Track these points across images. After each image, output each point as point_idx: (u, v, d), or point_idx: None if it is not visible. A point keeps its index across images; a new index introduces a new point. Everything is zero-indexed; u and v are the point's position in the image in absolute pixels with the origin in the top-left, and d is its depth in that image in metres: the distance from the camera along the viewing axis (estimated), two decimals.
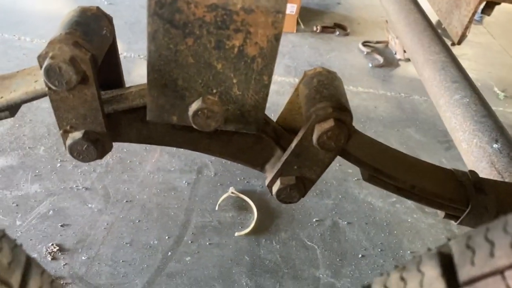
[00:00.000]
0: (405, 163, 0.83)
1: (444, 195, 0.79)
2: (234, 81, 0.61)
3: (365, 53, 3.38)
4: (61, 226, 1.70)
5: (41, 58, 0.58)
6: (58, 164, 1.95)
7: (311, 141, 0.67)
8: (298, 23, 3.56)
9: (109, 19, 0.69)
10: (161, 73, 0.60)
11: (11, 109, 0.69)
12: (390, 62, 3.31)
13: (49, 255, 1.58)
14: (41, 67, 0.57)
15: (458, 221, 0.81)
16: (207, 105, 0.62)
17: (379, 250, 1.86)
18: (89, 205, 1.80)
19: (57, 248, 1.61)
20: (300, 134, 0.68)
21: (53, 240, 1.64)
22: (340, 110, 0.65)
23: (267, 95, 0.64)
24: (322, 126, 0.64)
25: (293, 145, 0.69)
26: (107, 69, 0.74)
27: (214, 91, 0.63)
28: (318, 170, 0.73)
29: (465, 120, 1.30)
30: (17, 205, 1.75)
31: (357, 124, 2.56)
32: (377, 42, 3.52)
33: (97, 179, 1.92)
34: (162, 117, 0.66)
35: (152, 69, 0.60)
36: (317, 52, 3.31)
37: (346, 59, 3.28)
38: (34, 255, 1.57)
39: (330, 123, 0.64)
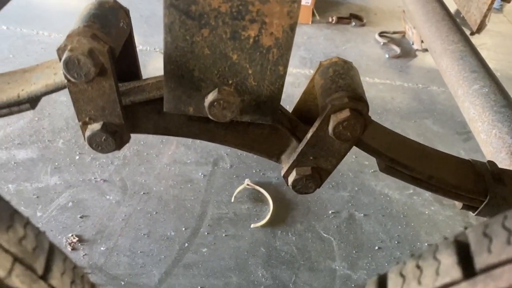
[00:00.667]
0: (422, 153, 0.82)
1: (462, 185, 0.78)
2: (250, 71, 0.62)
3: (381, 43, 3.34)
4: (80, 217, 1.73)
5: (60, 51, 0.59)
6: (77, 157, 1.98)
7: (327, 132, 0.67)
8: (313, 14, 3.53)
9: (126, 12, 0.70)
10: (177, 64, 0.61)
11: (32, 102, 0.70)
12: (407, 53, 3.27)
13: (69, 246, 1.61)
14: (60, 59, 0.58)
15: (476, 212, 0.80)
16: (223, 96, 0.63)
17: (396, 242, 1.85)
18: (107, 197, 1.83)
19: (77, 239, 1.64)
20: (316, 125, 0.68)
21: (72, 231, 1.67)
22: (356, 100, 0.65)
23: (282, 85, 0.64)
24: (338, 116, 0.64)
25: (308, 135, 0.69)
26: (125, 61, 0.75)
27: (230, 82, 0.63)
28: (334, 160, 0.73)
29: (484, 110, 1.28)
30: (37, 197, 1.78)
31: (373, 116, 2.54)
32: (394, 33, 3.48)
33: (115, 171, 1.95)
34: (178, 108, 0.67)
35: (168, 60, 0.61)
36: (332, 43, 3.28)
37: (362, 50, 3.25)
38: None
39: (346, 113, 0.64)
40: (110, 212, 1.77)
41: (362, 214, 1.95)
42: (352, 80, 0.69)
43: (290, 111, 0.82)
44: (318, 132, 0.68)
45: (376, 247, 1.82)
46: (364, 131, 0.66)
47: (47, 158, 1.95)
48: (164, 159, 2.05)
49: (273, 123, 0.69)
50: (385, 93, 2.80)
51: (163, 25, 0.57)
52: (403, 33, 3.48)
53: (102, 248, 1.63)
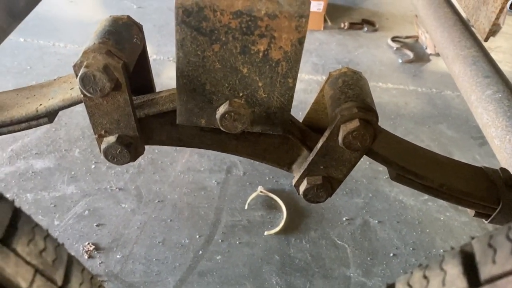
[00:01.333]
0: (433, 161, 0.82)
1: (473, 193, 0.78)
2: (260, 84, 0.63)
3: (394, 48, 3.33)
4: (97, 225, 1.76)
5: (76, 67, 0.61)
6: (93, 166, 2.01)
7: (337, 141, 0.67)
8: (325, 21, 3.54)
9: (139, 27, 0.72)
10: (189, 78, 0.63)
11: (50, 116, 0.73)
12: (420, 57, 3.25)
13: (85, 254, 1.64)
14: (76, 75, 0.60)
15: (489, 220, 0.80)
16: (234, 108, 0.64)
17: (411, 249, 1.84)
18: (123, 205, 1.86)
19: (93, 247, 1.67)
20: (326, 135, 0.69)
21: (89, 239, 1.70)
22: (365, 110, 0.66)
23: (292, 97, 0.65)
24: (347, 127, 0.65)
25: (319, 145, 0.70)
26: (139, 75, 0.77)
27: (241, 94, 0.65)
28: (345, 169, 0.74)
29: (497, 116, 1.28)
30: (54, 206, 1.82)
31: (387, 121, 2.53)
32: (407, 37, 3.46)
33: (130, 179, 1.97)
34: (191, 120, 0.69)
35: (181, 74, 0.62)
36: (345, 49, 3.28)
37: (375, 55, 3.24)
38: (72, 253, 1.63)
39: (355, 123, 0.65)
40: (125, 220, 1.80)
41: (376, 221, 1.94)
42: (361, 90, 0.70)
43: (303, 116, 0.83)
44: (328, 142, 0.69)
45: (391, 254, 1.81)
46: (374, 140, 0.67)
47: (64, 167, 1.99)
48: (178, 167, 2.07)
49: (283, 133, 0.70)
50: (398, 98, 2.79)
51: (175, 41, 0.59)
52: (416, 38, 3.47)
53: (118, 256, 1.66)
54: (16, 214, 0.41)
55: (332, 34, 3.45)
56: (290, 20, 0.56)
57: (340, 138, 0.66)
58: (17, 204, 0.50)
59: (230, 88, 0.63)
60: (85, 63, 0.60)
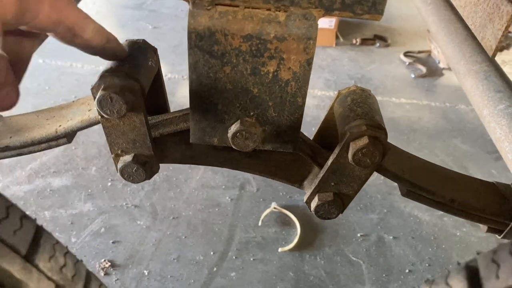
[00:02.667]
0: (444, 176, 0.82)
1: (485, 208, 0.78)
2: (270, 103, 0.65)
3: (407, 63, 3.34)
4: (113, 242, 1.78)
5: (94, 89, 0.64)
6: (109, 183, 2.05)
7: (347, 159, 0.69)
8: (337, 37, 3.57)
9: (154, 50, 0.74)
10: (202, 99, 0.65)
11: (69, 136, 0.76)
12: (433, 72, 3.25)
13: (101, 271, 1.66)
14: (94, 98, 0.63)
15: (502, 235, 0.79)
16: (245, 127, 0.66)
17: (427, 265, 1.82)
18: (138, 222, 1.88)
19: (109, 264, 1.69)
20: (336, 152, 0.70)
21: (105, 256, 1.73)
22: (374, 127, 0.67)
23: (301, 115, 0.67)
24: (356, 144, 0.66)
25: (329, 162, 0.71)
26: (154, 96, 0.79)
27: (252, 113, 0.66)
28: (356, 186, 0.74)
29: (510, 130, 1.27)
30: (72, 223, 1.85)
31: (401, 136, 2.53)
32: (419, 52, 3.47)
33: (145, 196, 2.00)
34: (204, 139, 0.70)
35: (194, 96, 0.65)
36: (357, 65, 3.30)
37: (388, 71, 3.25)
38: None
39: (364, 141, 0.66)
40: (141, 237, 1.82)
41: (391, 237, 1.93)
42: (370, 108, 0.71)
43: (316, 131, 0.85)
44: (338, 159, 0.70)
45: (407, 270, 1.79)
46: (383, 157, 0.67)
47: (81, 185, 2.03)
48: (193, 183, 2.09)
49: (294, 151, 0.72)
50: (412, 113, 2.78)
51: (188, 64, 0.61)
52: (429, 52, 3.47)
53: (133, 273, 1.68)
54: (39, 232, 0.44)
55: (344, 50, 3.48)
56: (298, 42, 0.58)
57: (350, 155, 0.67)
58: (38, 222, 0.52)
59: (241, 107, 0.65)
60: (102, 86, 0.62)
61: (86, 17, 0.51)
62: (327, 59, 3.33)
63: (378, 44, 3.56)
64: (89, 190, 2.01)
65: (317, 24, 0.59)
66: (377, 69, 3.26)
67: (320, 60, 3.29)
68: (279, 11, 0.58)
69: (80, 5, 1.39)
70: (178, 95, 2.67)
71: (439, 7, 2.04)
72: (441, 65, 3.30)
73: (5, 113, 0.90)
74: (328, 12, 0.58)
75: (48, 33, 0.48)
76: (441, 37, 1.90)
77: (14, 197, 1.92)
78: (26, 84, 2.67)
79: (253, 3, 0.57)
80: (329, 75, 3.13)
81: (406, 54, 3.41)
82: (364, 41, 3.55)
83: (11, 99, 0.44)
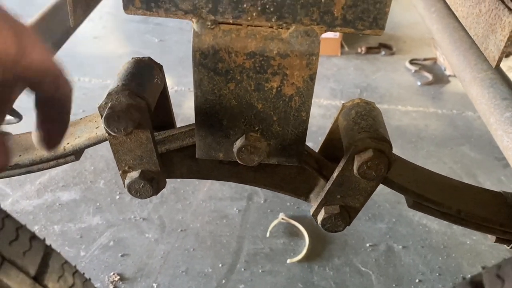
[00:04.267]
0: (450, 187, 0.82)
1: (492, 219, 0.78)
2: (274, 118, 0.65)
3: (412, 71, 3.33)
4: (121, 256, 1.79)
5: (101, 108, 0.65)
6: (117, 197, 2.06)
7: (352, 171, 0.69)
8: (342, 46, 3.58)
9: (159, 68, 0.76)
10: (207, 115, 0.66)
11: (76, 154, 0.77)
12: (439, 79, 3.25)
13: (111, 284, 1.67)
14: (101, 116, 0.64)
15: (510, 246, 0.79)
16: (250, 142, 0.66)
17: (437, 274, 1.80)
18: (147, 235, 1.89)
19: (118, 277, 1.70)
20: (340, 165, 0.70)
21: (114, 269, 1.73)
22: (378, 140, 0.67)
23: (306, 129, 0.67)
24: (361, 157, 0.67)
25: (334, 175, 0.72)
26: (160, 113, 0.80)
27: (256, 128, 0.67)
28: (362, 198, 0.75)
29: None
30: (81, 237, 1.86)
31: (408, 145, 2.52)
32: (425, 59, 3.47)
33: (153, 209, 2.01)
34: (210, 154, 0.71)
35: (199, 112, 0.65)
36: (362, 74, 3.31)
37: (393, 79, 3.25)
38: (98, 284, 1.66)
39: (369, 154, 0.66)
40: (149, 250, 1.82)
41: (400, 246, 1.92)
42: (374, 121, 0.72)
43: (321, 143, 0.85)
44: (343, 172, 0.70)
45: (417, 280, 1.78)
46: (388, 169, 0.68)
47: (89, 199, 2.05)
48: (200, 195, 2.10)
49: (299, 164, 0.72)
50: (418, 121, 2.78)
51: (193, 81, 0.62)
52: (435, 59, 3.47)
53: (142, 286, 1.68)
54: (47, 252, 0.44)
55: (349, 59, 3.49)
56: (301, 58, 0.59)
57: (355, 169, 0.68)
58: (47, 241, 0.53)
59: (246, 123, 0.66)
60: (109, 105, 0.63)
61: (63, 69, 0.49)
62: (332, 68, 3.33)
63: (383, 52, 3.56)
64: (98, 204, 2.02)
65: (319, 40, 0.59)
66: (383, 77, 3.26)
67: (325, 69, 3.30)
68: (282, 28, 0.59)
69: (86, 21, 1.42)
70: (185, 106, 2.69)
71: (443, 15, 2.05)
72: (447, 72, 3.30)
73: (14, 131, 0.92)
74: (330, 28, 0.59)
75: (31, 84, 0.46)
76: (446, 45, 1.91)
77: (24, 212, 1.94)
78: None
79: (255, 21, 0.58)
80: (335, 84, 3.14)
81: (412, 61, 3.41)
82: (369, 50, 3.56)
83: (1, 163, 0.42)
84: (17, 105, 0.82)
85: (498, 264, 0.39)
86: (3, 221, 0.40)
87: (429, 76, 3.22)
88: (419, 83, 3.18)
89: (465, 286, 0.39)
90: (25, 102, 0.60)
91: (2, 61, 0.39)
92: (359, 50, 3.57)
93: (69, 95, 0.50)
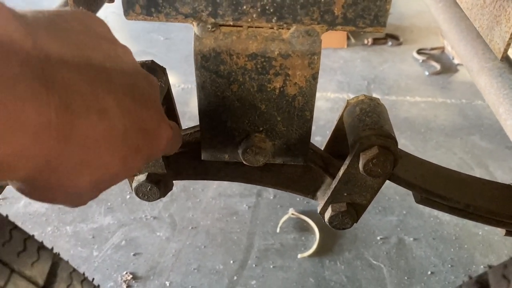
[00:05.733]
0: (458, 181, 0.82)
1: (502, 212, 0.77)
2: (278, 118, 0.65)
3: (420, 61, 3.30)
4: (133, 255, 1.81)
5: None
6: (128, 196, 2.08)
7: (358, 169, 0.69)
8: (348, 38, 3.56)
9: (163, 70, 0.76)
10: (211, 117, 0.66)
11: None
12: (447, 68, 3.21)
13: (124, 283, 1.69)
14: None
15: None
16: (254, 142, 0.67)
17: (450, 266, 1.79)
18: (158, 234, 1.90)
19: (131, 276, 1.71)
20: (346, 163, 0.70)
21: (126, 268, 1.75)
22: (383, 137, 0.67)
23: (310, 128, 0.67)
24: (367, 154, 0.66)
25: (340, 173, 0.72)
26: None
27: (261, 129, 0.67)
28: (369, 195, 0.74)
29: None
30: (93, 237, 1.88)
31: (417, 136, 2.50)
32: (432, 49, 3.43)
33: (164, 208, 2.02)
34: (215, 155, 0.72)
35: (203, 114, 0.66)
36: (370, 65, 3.29)
37: (401, 69, 3.22)
38: (111, 283, 1.68)
39: (374, 151, 0.66)
40: (161, 248, 1.84)
41: (412, 239, 1.91)
42: (378, 118, 0.71)
43: (326, 141, 0.85)
44: (349, 170, 0.70)
45: (429, 272, 1.77)
46: (394, 166, 0.67)
47: (100, 199, 2.06)
48: (210, 193, 2.11)
49: (304, 163, 0.72)
50: (427, 111, 2.75)
51: (196, 84, 0.63)
52: (442, 49, 3.43)
53: (155, 285, 1.69)
54: (56, 261, 0.45)
55: (356, 51, 3.46)
56: (302, 58, 0.59)
57: (360, 166, 0.67)
58: (61, 242, 0.53)
59: (250, 124, 0.66)
60: None
61: (180, 136, 0.57)
62: (339, 61, 3.32)
63: (390, 43, 3.53)
64: (109, 204, 2.04)
65: (321, 40, 0.59)
66: (390, 68, 3.23)
67: (332, 62, 3.28)
68: (282, 29, 0.59)
69: None
70: (192, 105, 2.69)
71: (449, 5, 2.02)
72: (456, 61, 3.26)
73: None
74: (331, 27, 0.58)
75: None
76: (453, 35, 1.88)
77: (37, 214, 1.97)
78: None
79: (256, 22, 0.58)
80: (342, 77, 3.12)
81: (419, 51, 3.38)
82: (376, 41, 3.53)
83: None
84: None
85: (504, 263, 0.38)
86: (10, 232, 0.41)
87: (437, 66, 3.19)
88: (427, 73, 3.15)
89: (471, 286, 0.39)
90: None
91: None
92: (365, 42, 3.54)
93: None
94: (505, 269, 0.37)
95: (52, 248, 0.49)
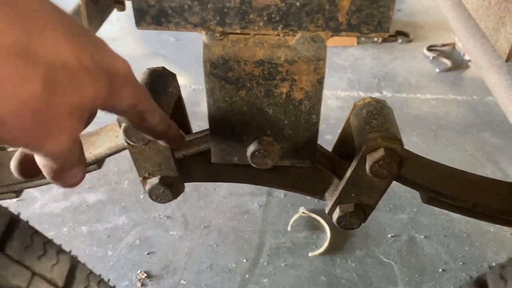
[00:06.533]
0: (465, 181, 0.82)
1: (509, 211, 0.78)
2: (285, 122, 0.67)
3: (431, 58, 3.29)
4: (147, 254, 1.84)
5: (119, 119, 0.68)
6: (141, 196, 2.11)
7: (365, 171, 0.70)
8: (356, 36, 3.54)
9: (173, 76, 0.78)
10: (220, 122, 0.68)
11: (99, 163, 0.80)
12: (458, 65, 3.19)
13: (138, 282, 1.72)
14: (120, 127, 0.67)
15: None
16: (262, 146, 0.69)
17: (461, 263, 1.79)
18: (171, 233, 1.93)
19: (145, 275, 1.75)
20: (353, 165, 0.72)
21: (141, 267, 1.78)
22: (389, 139, 0.68)
23: (317, 131, 0.69)
24: (373, 156, 0.68)
25: (347, 175, 0.73)
26: (175, 120, 0.82)
27: (268, 132, 0.69)
28: (376, 196, 0.76)
29: None
30: (108, 237, 1.92)
31: (428, 133, 2.50)
32: (443, 45, 3.41)
33: (176, 207, 2.05)
34: (224, 159, 0.74)
35: (212, 119, 0.68)
36: (380, 63, 3.28)
37: (411, 66, 3.21)
38: (126, 282, 1.72)
39: (380, 153, 0.67)
40: (174, 247, 1.87)
41: (422, 236, 1.91)
42: (385, 120, 0.72)
43: (334, 142, 0.87)
44: (356, 171, 0.72)
45: (440, 269, 1.77)
46: (401, 167, 0.69)
47: (115, 199, 2.10)
48: (221, 192, 2.13)
49: (312, 165, 0.74)
50: (438, 108, 2.74)
51: (205, 90, 0.65)
52: (453, 45, 3.41)
53: (169, 283, 1.73)
54: (74, 264, 0.48)
55: (366, 48, 3.46)
56: (308, 64, 0.60)
57: (367, 168, 0.69)
58: (76, 242, 0.55)
59: (258, 128, 0.68)
60: None
61: (155, 105, 0.54)
62: (349, 59, 3.31)
63: (400, 40, 3.52)
64: (123, 204, 2.08)
65: (326, 45, 0.61)
66: (401, 65, 3.22)
67: (342, 60, 3.28)
68: (288, 35, 0.60)
69: (105, 23, 1.45)
70: (203, 105, 2.72)
71: (458, 2, 2.01)
72: (467, 57, 3.23)
73: None
74: (335, 33, 0.60)
75: (118, 115, 0.51)
76: (462, 32, 1.88)
77: (52, 214, 2.01)
78: None
79: (262, 30, 0.60)
80: (352, 75, 3.12)
81: (430, 48, 3.36)
82: (386, 38, 3.51)
83: (78, 178, 0.46)
84: None
85: (502, 263, 0.40)
86: (31, 237, 0.43)
87: (448, 62, 3.17)
88: (437, 70, 3.14)
89: (470, 286, 0.40)
90: None
91: (92, 103, 0.42)
92: (375, 39, 3.53)
93: (158, 127, 0.55)
94: (503, 270, 0.38)
95: (70, 251, 0.51)
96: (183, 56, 3.28)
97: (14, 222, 0.46)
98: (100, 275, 0.53)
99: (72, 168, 0.44)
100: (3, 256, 0.40)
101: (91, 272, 0.50)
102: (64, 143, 0.39)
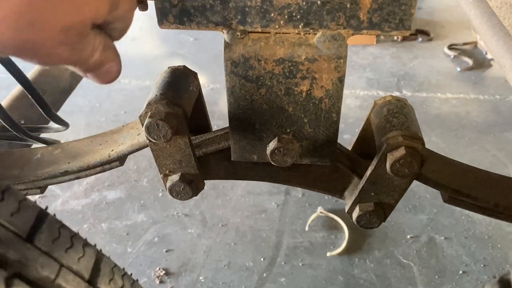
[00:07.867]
0: (487, 180, 0.81)
1: None
2: (305, 120, 0.67)
3: (452, 56, 3.24)
4: (166, 251, 1.86)
5: (142, 117, 0.69)
6: (160, 194, 2.14)
7: (385, 169, 0.70)
8: (377, 34, 3.51)
9: (194, 75, 0.79)
10: (240, 120, 0.68)
11: (121, 160, 0.82)
12: (480, 64, 3.14)
13: (157, 279, 1.74)
14: (142, 124, 0.68)
15: None
16: (282, 144, 0.69)
17: (482, 265, 1.77)
18: (189, 231, 1.95)
19: (164, 272, 1.77)
20: (373, 163, 0.71)
21: (159, 264, 1.81)
22: (410, 137, 0.68)
23: (337, 130, 0.69)
24: (394, 155, 0.67)
25: (368, 173, 0.73)
26: (196, 117, 0.84)
27: (288, 130, 0.69)
28: (396, 195, 0.75)
29: None
30: (127, 234, 1.95)
31: (448, 133, 2.46)
32: (464, 44, 3.36)
33: (195, 205, 2.07)
34: (244, 156, 0.74)
35: (233, 117, 0.68)
36: (399, 62, 3.24)
37: (432, 65, 3.17)
38: (144, 279, 1.74)
39: (401, 152, 0.67)
40: (192, 245, 1.89)
41: (443, 237, 1.89)
42: (406, 118, 0.72)
43: (354, 141, 0.86)
44: (376, 170, 0.71)
45: (460, 271, 1.75)
46: (421, 166, 0.68)
47: (134, 197, 2.13)
48: (239, 191, 2.14)
49: (331, 163, 0.74)
50: (459, 108, 2.70)
51: (226, 89, 0.65)
52: (475, 43, 3.35)
53: (187, 280, 1.74)
54: (99, 257, 0.49)
55: (386, 47, 3.43)
56: (329, 62, 0.60)
57: (388, 167, 0.68)
58: (96, 239, 0.57)
59: (278, 126, 0.68)
60: (149, 114, 0.67)
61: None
62: (368, 58, 3.29)
63: (420, 39, 3.47)
64: (142, 201, 2.10)
65: (347, 44, 0.61)
66: (421, 64, 3.18)
67: (361, 59, 3.26)
68: (309, 34, 0.61)
69: None
70: (221, 104, 2.73)
71: (481, 0, 1.98)
72: (489, 56, 3.18)
73: (62, 139, 0.98)
74: (356, 31, 0.60)
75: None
76: (484, 31, 1.85)
77: (73, 211, 2.05)
78: (79, 102, 2.82)
79: (283, 29, 0.60)
80: (371, 74, 3.09)
81: (451, 47, 3.31)
82: (406, 37, 3.48)
83: (115, 73, 0.47)
84: (63, 114, 0.88)
85: None
86: (59, 230, 0.45)
87: (469, 61, 3.12)
88: (458, 69, 3.09)
89: (493, 284, 0.40)
90: (69, 113, 0.65)
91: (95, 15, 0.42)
92: (395, 38, 3.49)
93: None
94: None
95: (95, 245, 0.52)
96: (201, 56, 3.30)
97: (42, 215, 0.47)
98: (123, 269, 0.54)
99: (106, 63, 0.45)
100: (32, 248, 0.42)
101: (115, 265, 0.51)
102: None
